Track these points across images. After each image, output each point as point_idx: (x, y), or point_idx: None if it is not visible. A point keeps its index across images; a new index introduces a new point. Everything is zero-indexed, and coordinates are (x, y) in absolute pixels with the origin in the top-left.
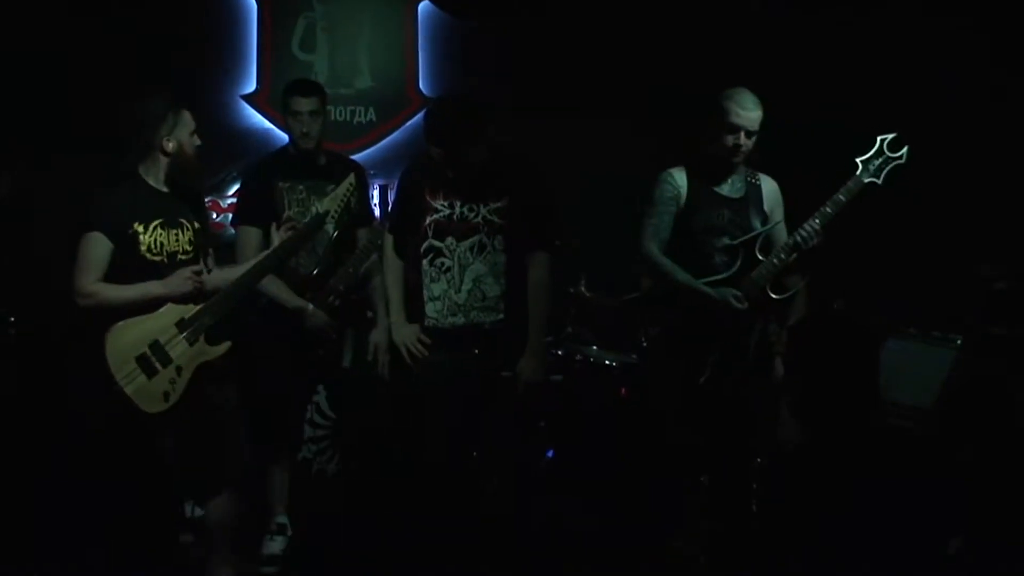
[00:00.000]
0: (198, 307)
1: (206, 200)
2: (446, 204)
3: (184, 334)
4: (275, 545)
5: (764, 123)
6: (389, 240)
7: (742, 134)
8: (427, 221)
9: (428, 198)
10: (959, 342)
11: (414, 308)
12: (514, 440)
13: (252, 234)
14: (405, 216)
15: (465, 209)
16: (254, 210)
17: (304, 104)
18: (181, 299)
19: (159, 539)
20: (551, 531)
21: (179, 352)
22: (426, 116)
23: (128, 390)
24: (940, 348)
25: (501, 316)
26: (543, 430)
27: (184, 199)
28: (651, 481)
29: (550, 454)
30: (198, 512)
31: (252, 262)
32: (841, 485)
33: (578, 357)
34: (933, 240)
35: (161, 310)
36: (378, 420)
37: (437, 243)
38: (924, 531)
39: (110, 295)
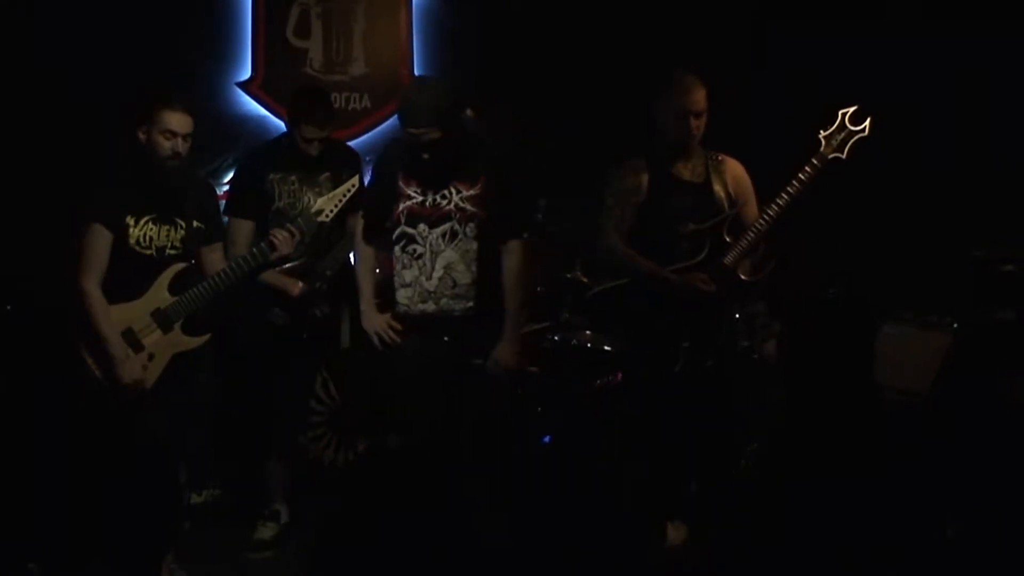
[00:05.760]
0: (174, 298)
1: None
2: (419, 191)
3: (159, 323)
4: (266, 531)
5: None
6: (360, 225)
7: (691, 117)
8: (400, 208)
9: (401, 184)
10: (955, 326)
11: (387, 294)
12: (490, 426)
13: (243, 226)
14: (378, 202)
15: (438, 196)
16: (245, 201)
17: (320, 133)
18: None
19: (159, 526)
20: (545, 518)
21: (152, 340)
22: (399, 99)
23: (98, 373)
24: (936, 332)
25: (471, 304)
26: (539, 416)
27: (189, 193)
28: (646, 471)
29: (547, 440)
30: (197, 499)
31: (225, 265)
32: (836, 468)
33: (574, 343)
34: (928, 224)
35: (137, 300)
36: (380, 400)
37: (409, 230)
38: (922, 516)
39: (90, 309)
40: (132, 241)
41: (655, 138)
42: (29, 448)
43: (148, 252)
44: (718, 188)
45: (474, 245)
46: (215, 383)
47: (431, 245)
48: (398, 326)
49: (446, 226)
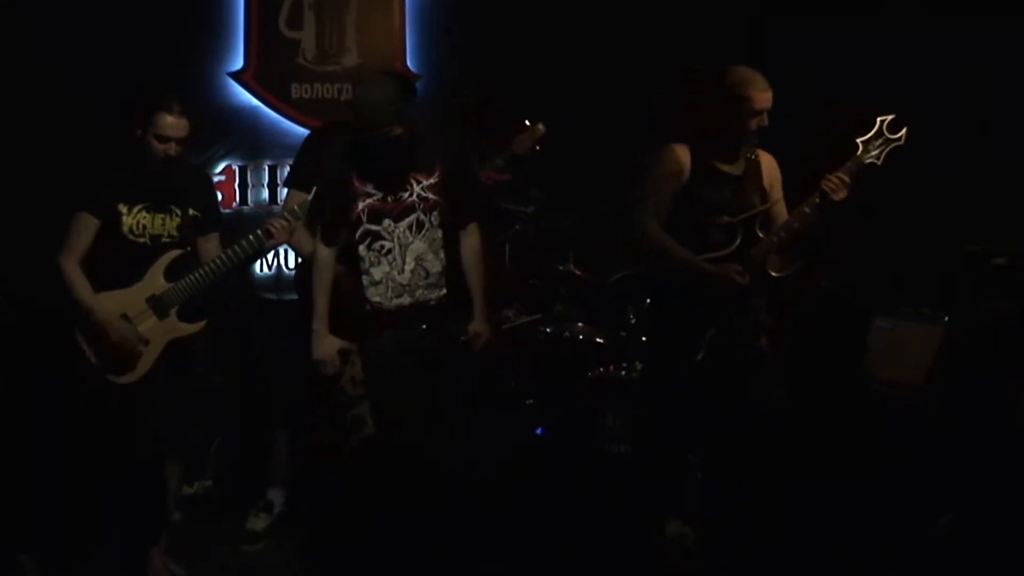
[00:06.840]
0: (169, 285)
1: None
2: (378, 187)
3: (154, 309)
4: (258, 522)
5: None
6: (318, 233)
7: (757, 116)
8: (360, 206)
9: (357, 183)
10: (947, 319)
11: (353, 295)
12: (479, 402)
13: (300, 198)
14: (334, 205)
15: (398, 189)
16: (306, 175)
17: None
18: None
19: (150, 517)
20: (539, 511)
21: (148, 327)
22: (353, 100)
23: (94, 360)
24: (930, 325)
25: (444, 292)
26: (532, 408)
27: (186, 183)
28: (640, 461)
29: (539, 432)
30: (188, 491)
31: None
32: (832, 463)
33: (566, 335)
34: (921, 218)
35: (133, 287)
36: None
37: (373, 227)
38: (916, 507)
39: (68, 281)
40: (125, 229)
41: (705, 127)
42: (21, 442)
43: (142, 240)
44: (755, 183)
45: (439, 233)
46: (213, 372)
47: (399, 239)
48: (347, 355)
49: (411, 218)
